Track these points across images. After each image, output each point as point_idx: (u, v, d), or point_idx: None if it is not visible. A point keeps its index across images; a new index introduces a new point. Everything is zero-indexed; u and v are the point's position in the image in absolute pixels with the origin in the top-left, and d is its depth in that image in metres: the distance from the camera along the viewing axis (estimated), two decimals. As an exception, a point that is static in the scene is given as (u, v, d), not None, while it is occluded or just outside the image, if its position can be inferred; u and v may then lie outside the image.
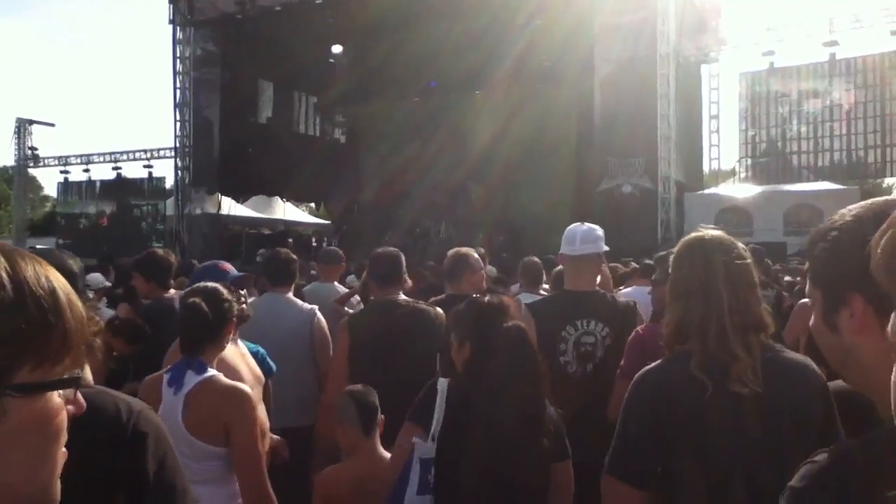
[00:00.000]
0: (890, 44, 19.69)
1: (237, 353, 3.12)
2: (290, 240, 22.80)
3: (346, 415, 3.02)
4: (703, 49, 20.26)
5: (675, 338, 2.11)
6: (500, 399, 2.42)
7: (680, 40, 18.07)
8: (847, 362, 1.08)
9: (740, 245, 2.14)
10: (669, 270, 2.20)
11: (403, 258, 4.08)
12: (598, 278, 3.81)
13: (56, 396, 0.87)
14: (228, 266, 3.64)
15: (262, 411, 2.85)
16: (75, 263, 2.24)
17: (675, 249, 2.23)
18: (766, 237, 14.35)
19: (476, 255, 4.39)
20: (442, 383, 2.53)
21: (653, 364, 2.15)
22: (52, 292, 0.86)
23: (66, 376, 0.88)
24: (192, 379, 2.57)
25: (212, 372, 2.62)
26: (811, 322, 1.17)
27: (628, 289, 6.47)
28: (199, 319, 2.63)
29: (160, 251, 4.81)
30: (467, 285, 4.12)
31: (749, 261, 2.10)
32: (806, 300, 3.30)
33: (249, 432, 2.56)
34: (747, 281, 2.07)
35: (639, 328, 3.20)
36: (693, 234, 2.21)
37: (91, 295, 5.83)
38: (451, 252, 4.40)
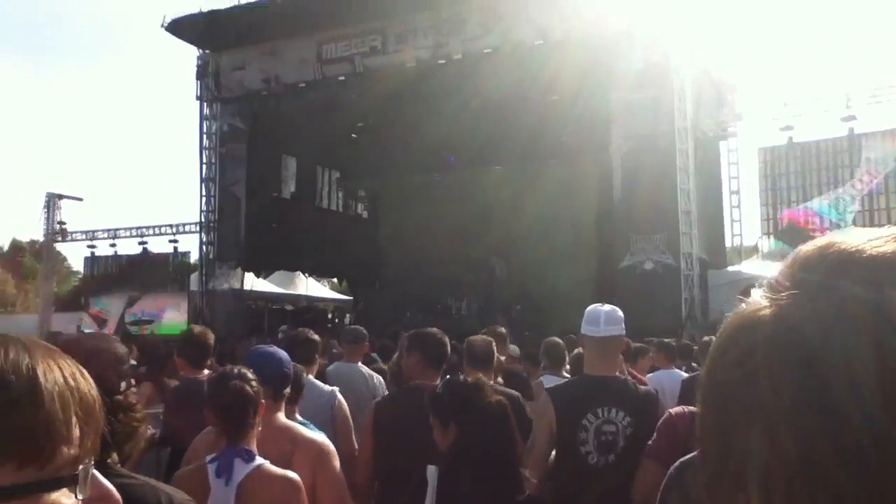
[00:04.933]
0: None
1: None
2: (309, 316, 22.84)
3: None
4: (720, 124, 20.42)
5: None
6: (483, 480, 2.52)
7: (697, 115, 18.20)
8: None
9: None
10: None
11: (448, 342, 4.00)
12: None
13: (59, 497, 0.77)
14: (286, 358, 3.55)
15: None
16: (112, 347, 2.10)
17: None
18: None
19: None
20: (431, 472, 2.58)
21: (690, 455, 2.08)
22: (31, 381, 0.76)
23: (63, 474, 0.78)
24: (241, 468, 2.55)
25: (260, 460, 2.60)
26: None
27: (656, 373, 6.41)
28: (247, 404, 2.61)
29: (197, 329, 4.77)
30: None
31: None
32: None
33: None
34: None
35: (671, 410, 3.13)
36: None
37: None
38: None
